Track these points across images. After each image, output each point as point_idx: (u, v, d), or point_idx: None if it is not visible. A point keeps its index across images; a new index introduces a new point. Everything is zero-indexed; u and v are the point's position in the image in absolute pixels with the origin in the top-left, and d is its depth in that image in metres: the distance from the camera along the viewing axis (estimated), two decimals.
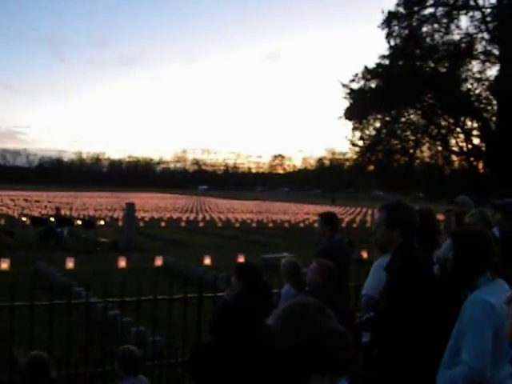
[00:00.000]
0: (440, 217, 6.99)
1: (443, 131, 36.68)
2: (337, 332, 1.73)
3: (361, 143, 38.14)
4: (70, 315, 6.12)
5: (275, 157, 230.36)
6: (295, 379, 1.69)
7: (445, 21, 34.27)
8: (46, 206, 53.40)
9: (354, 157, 40.47)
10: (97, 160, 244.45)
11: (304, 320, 1.73)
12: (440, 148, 37.54)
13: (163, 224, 37.54)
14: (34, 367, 4.24)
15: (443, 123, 36.80)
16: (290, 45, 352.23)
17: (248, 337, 1.82)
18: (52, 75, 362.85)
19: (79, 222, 28.68)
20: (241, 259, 18.19)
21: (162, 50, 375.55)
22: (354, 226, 41.52)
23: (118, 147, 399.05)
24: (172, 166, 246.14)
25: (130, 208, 24.36)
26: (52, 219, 24.32)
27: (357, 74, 36.38)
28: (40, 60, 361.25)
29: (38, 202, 65.25)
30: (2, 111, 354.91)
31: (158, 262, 17.36)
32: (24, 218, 35.18)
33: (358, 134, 37.59)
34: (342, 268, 5.75)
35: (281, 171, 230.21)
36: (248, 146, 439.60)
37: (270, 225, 40.63)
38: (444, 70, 35.45)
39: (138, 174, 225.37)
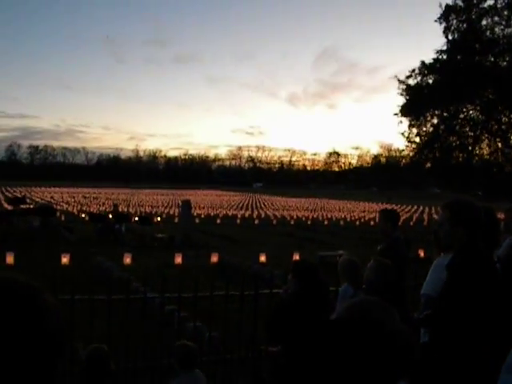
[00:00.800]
0: (500, 216, 6.80)
1: (504, 127, 35.67)
2: (401, 332, 1.68)
3: (418, 140, 37.48)
4: (128, 310, 6.20)
5: (330, 154, 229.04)
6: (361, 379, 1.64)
7: (506, 13, 33.28)
8: (103, 203, 54.45)
9: (411, 154, 39.77)
10: (153, 157, 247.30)
11: (368, 320, 1.68)
12: (500, 145, 36.52)
13: (218, 221, 37.78)
14: (94, 359, 4.30)
15: (504, 119, 35.80)
16: (344, 40, 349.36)
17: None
18: (110, 75, 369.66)
19: (136, 219, 29.10)
20: (296, 257, 18.13)
21: (217, 48, 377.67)
22: (411, 224, 40.93)
23: (174, 145, 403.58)
24: (227, 163, 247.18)
25: (186, 205, 24.59)
26: (110, 216, 24.75)
27: (414, 70, 35.71)
28: (99, 60, 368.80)
29: (96, 198, 66.61)
30: (62, 111, 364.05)
31: (214, 258, 17.46)
32: (83, 215, 35.95)
33: (414, 130, 36.92)
34: (400, 266, 5.65)
35: (336, 168, 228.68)
36: (303, 144, 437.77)
37: (326, 222, 40.44)
38: (505, 63, 34.47)
39: (194, 172, 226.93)
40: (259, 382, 6.35)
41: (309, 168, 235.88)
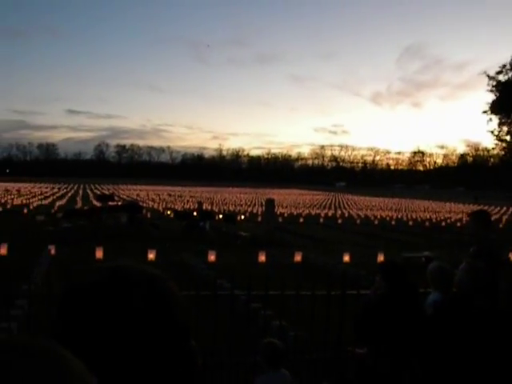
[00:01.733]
0: None
1: None
2: None
3: (508, 138, 36.17)
4: (216, 306, 6.26)
5: (415, 153, 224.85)
6: None
7: None
8: (188, 201, 55.38)
9: (501, 153, 38.44)
10: (236, 156, 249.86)
11: None
12: None
13: (301, 220, 37.70)
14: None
15: None
16: (428, 36, 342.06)
17: None
18: (194, 76, 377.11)
19: (220, 217, 29.44)
20: (381, 257, 17.87)
21: (300, 47, 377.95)
22: (500, 226, 39.54)
23: (257, 144, 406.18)
24: (310, 162, 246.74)
25: (270, 203, 24.67)
26: (195, 213, 25.14)
27: (504, 65, 34.49)
28: (183, 61, 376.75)
29: (180, 196, 67.84)
30: (147, 111, 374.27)
31: (297, 257, 17.42)
32: (168, 212, 36.69)
33: (505, 128, 35.69)
34: (494, 270, 5.45)
35: (420, 168, 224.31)
36: (387, 142, 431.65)
37: (410, 223, 39.63)
38: None
39: (277, 170, 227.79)
40: None
41: (392, 167, 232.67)
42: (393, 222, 39.70)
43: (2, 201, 45.42)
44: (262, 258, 17.12)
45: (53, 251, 16.71)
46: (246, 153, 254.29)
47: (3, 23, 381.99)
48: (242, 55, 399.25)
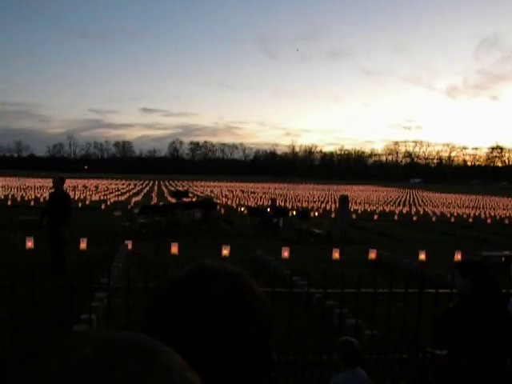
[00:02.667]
0: None
1: None
2: None
3: None
4: (291, 303, 6.22)
5: (493, 149, 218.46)
6: None
7: None
8: (261, 197, 55.61)
9: None
10: (309, 153, 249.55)
11: None
12: None
13: (376, 217, 37.23)
14: None
15: None
16: (507, 26, 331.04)
17: None
18: (265, 72, 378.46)
19: (294, 213, 29.39)
20: (458, 256, 17.44)
21: (371, 41, 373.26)
22: None
23: (329, 140, 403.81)
24: (383, 158, 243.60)
25: (344, 200, 24.44)
26: (268, 210, 25.18)
27: None
28: (254, 58, 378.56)
29: (253, 193, 68.18)
30: (220, 108, 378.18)
31: (372, 255, 17.19)
32: (242, 208, 36.92)
33: None
34: None
35: (499, 164, 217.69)
36: (463, 138, 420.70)
37: (488, 221, 38.48)
38: None
39: (350, 167, 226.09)
40: None
41: (469, 163, 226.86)
42: (470, 220, 38.67)
43: (81, 197, 46.79)
44: (336, 255, 16.99)
45: (129, 246, 17.08)
46: (318, 149, 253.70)
47: (81, 25, 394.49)
48: (312, 50, 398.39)
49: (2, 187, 59.98)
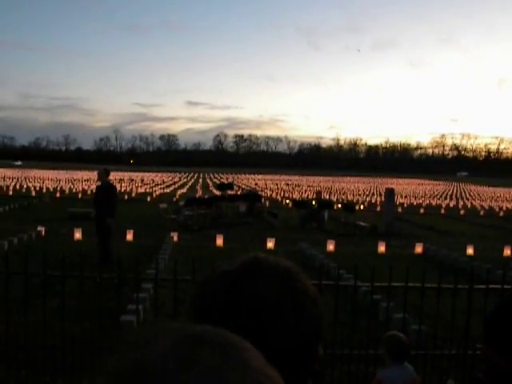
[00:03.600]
0: None
1: None
2: None
3: None
4: (337, 297, 6.18)
5: None
6: None
7: None
8: (305, 190, 55.44)
9: None
10: (354, 145, 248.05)
11: None
12: None
13: (422, 210, 36.74)
14: None
15: None
16: None
17: None
18: (309, 64, 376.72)
19: (339, 206, 29.22)
20: (507, 251, 17.10)
21: (416, 32, 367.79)
22: None
23: (374, 133, 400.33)
24: (430, 151, 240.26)
25: (390, 193, 24.17)
26: (313, 202, 25.09)
27: None
28: (298, 50, 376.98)
29: (298, 186, 68.04)
30: (264, 101, 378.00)
31: (418, 249, 16.97)
32: (287, 201, 36.86)
33: None
34: None
35: None
36: None
37: None
38: None
39: (395, 160, 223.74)
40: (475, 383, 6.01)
41: None
42: None
43: (127, 189, 47.40)
44: (382, 248, 16.82)
45: (175, 238, 17.24)
46: (363, 142, 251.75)
47: (126, 19, 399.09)
48: (357, 42, 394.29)
49: (52, 180, 61.22)
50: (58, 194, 39.16)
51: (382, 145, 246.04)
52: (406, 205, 41.11)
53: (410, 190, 69.51)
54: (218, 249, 16.08)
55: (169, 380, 0.49)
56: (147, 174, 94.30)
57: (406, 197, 51.91)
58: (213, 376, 0.50)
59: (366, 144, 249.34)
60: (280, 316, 0.99)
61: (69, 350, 6.23)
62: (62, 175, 77.21)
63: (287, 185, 70.72)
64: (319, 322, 1.06)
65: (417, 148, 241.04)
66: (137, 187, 51.92)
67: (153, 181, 68.84)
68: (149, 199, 37.31)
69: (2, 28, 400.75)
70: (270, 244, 16.43)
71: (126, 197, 37.67)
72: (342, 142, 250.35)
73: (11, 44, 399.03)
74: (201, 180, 79.63)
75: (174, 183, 66.27)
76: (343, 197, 47.87)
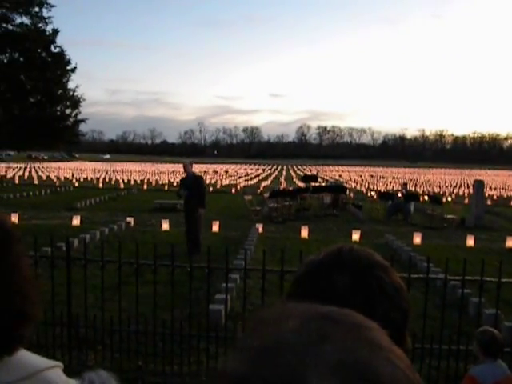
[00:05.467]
0: None
1: None
2: None
3: None
4: (427, 290, 6.07)
5: None
6: None
7: None
8: (390, 182, 54.61)
9: None
10: (440, 136, 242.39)
11: None
12: None
13: None
14: None
15: None
16: None
17: None
18: (390, 53, 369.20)
19: (426, 198, 28.62)
20: None
21: None
22: None
23: (461, 123, 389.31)
24: None
25: (479, 185, 23.43)
26: (399, 194, 24.69)
27: None
28: (377, 39, 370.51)
29: (382, 177, 67.12)
30: (347, 92, 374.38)
31: (510, 242, 16.39)
32: (372, 193, 36.43)
33: None
34: None
35: None
36: None
37: None
38: None
39: (483, 150, 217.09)
40: None
41: None
42: None
43: (212, 181, 48.04)
44: (471, 242, 16.35)
45: (260, 229, 17.34)
46: (449, 133, 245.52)
47: (207, 15, 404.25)
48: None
49: (139, 172, 62.87)
50: (145, 186, 40.18)
51: (469, 135, 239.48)
52: (495, 197, 39.76)
53: (500, 181, 67.20)
54: (302, 240, 16.07)
55: (305, 353, 0.51)
56: (231, 166, 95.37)
57: (495, 189, 50.23)
58: (346, 350, 0.52)
59: (452, 135, 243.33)
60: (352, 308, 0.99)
61: (160, 336, 6.42)
62: (149, 168, 79.19)
63: (371, 176, 69.86)
64: (404, 319, 1.05)
65: (506, 138, 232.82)
66: (221, 179, 52.54)
67: (236, 173, 69.51)
68: (233, 191, 37.73)
69: (90, 28, 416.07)
70: (356, 236, 16.27)
71: (211, 189, 38.23)
72: (427, 133, 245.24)
73: (99, 42, 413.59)
74: (284, 172, 79.83)
75: (258, 175, 66.70)
76: (429, 189, 46.85)
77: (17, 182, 42.28)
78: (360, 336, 0.55)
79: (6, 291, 1.32)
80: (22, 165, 74.99)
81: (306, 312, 0.58)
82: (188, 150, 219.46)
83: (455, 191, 45.14)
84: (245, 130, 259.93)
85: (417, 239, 16.33)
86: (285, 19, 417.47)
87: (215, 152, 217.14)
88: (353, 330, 0.56)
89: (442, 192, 42.94)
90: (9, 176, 49.25)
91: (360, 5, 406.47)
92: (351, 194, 33.70)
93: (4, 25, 31.29)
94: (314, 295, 1.01)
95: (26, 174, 52.88)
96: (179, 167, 69.43)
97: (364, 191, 41.06)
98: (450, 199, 35.24)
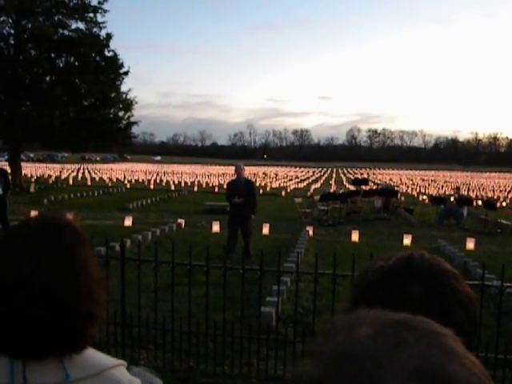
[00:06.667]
0: None
1: None
2: None
3: None
4: (481, 298, 5.95)
5: None
6: None
7: None
8: (442, 186, 53.75)
9: None
10: (494, 139, 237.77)
11: None
12: None
13: None
14: None
15: None
16: None
17: None
18: (442, 57, 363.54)
19: (479, 203, 28.07)
20: None
21: None
22: None
23: None
24: None
25: None
26: (452, 198, 24.29)
27: None
28: (429, 41, 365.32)
29: (434, 181, 66.11)
30: (396, 95, 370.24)
31: None
32: (424, 197, 35.93)
33: None
34: None
35: None
36: None
37: None
38: None
39: None
40: None
41: None
42: None
43: (262, 184, 48.12)
44: None
45: (310, 232, 17.29)
46: (504, 136, 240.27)
47: (258, 19, 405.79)
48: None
49: (189, 174, 63.46)
50: (195, 188, 40.52)
51: None
52: None
53: None
54: (353, 244, 15.93)
55: (382, 358, 0.52)
56: (281, 169, 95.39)
57: None
58: (422, 356, 0.52)
59: (507, 138, 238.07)
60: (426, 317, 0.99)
61: (211, 337, 6.47)
62: (199, 170, 79.83)
63: (423, 180, 68.88)
64: (473, 329, 1.05)
65: None
66: (271, 182, 52.59)
67: (286, 175, 69.47)
68: (283, 194, 37.72)
69: (142, 33, 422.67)
70: (407, 240, 16.05)
71: (261, 191, 38.30)
72: (480, 136, 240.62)
73: (151, 47, 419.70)
74: (334, 175, 79.45)
75: (308, 178, 66.54)
76: (483, 193, 45.93)
77: (70, 182, 43.15)
78: (435, 342, 0.55)
79: (75, 292, 1.35)
80: (76, 166, 76.50)
81: (380, 318, 0.59)
82: (238, 152, 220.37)
83: (510, 196, 44.13)
84: (295, 132, 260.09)
85: (470, 245, 16.00)
86: (334, 21, 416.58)
87: (264, 156, 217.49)
88: (428, 336, 0.56)
89: (495, 196, 42.02)
90: (63, 177, 50.35)
91: (411, 4, 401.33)
92: (402, 198, 33.28)
93: (61, 30, 32.16)
94: (387, 302, 0.99)
95: (80, 175, 53.97)
96: (229, 169, 69.95)
97: (415, 195, 40.53)
98: (504, 204, 34.45)
